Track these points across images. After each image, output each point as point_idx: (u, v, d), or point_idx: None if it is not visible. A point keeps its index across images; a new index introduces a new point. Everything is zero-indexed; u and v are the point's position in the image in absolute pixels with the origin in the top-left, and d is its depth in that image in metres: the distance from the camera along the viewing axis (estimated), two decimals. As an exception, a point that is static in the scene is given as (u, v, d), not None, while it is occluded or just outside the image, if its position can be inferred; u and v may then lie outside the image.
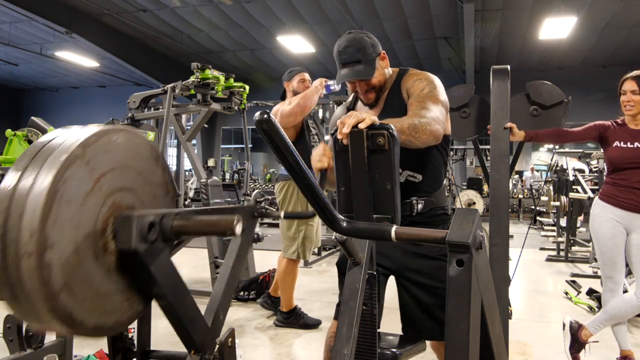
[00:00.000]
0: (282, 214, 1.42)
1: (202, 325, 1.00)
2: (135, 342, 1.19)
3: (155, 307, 0.94)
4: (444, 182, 1.81)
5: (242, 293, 4.02)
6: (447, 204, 1.98)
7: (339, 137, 1.19)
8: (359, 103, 1.86)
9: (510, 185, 8.65)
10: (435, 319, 1.65)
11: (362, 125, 1.15)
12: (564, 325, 2.76)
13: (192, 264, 5.73)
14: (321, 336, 3.20)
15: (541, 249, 7.16)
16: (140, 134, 0.94)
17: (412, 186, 1.70)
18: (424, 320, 1.68)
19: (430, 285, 1.65)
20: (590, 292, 4.06)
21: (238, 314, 3.67)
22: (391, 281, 1.79)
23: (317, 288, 4.00)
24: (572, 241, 6.25)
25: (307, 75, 3.39)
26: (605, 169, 2.69)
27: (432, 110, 1.52)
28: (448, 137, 1.75)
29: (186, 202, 10.01)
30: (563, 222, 6.80)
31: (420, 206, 1.67)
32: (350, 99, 1.93)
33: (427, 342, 1.77)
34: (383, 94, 1.78)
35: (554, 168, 7.43)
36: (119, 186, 0.86)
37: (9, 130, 2.06)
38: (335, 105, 6.40)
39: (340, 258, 1.76)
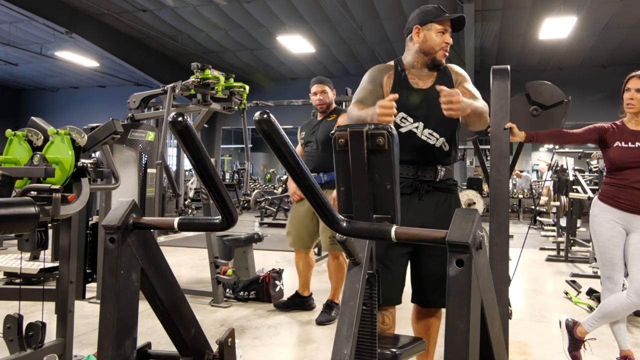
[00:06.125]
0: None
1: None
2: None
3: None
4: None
5: (242, 293, 4.02)
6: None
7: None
8: (408, 78, 2.03)
9: (510, 185, 8.63)
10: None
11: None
12: (560, 323, 2.77)
13: (192, 264, 5.74)
14: (322, 336, 3.20)
15: (541, 249, 7.15)
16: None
17: (440, 154, 1.97)
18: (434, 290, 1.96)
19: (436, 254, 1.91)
20: (590, 292, 4.06)
21: (238, 314, 3.67)
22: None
23: (317, 288, 4.00)
24: (572, 241, 6.25)
25: (316, 88, 3.54)
26: (605, 169, 2.69)
27: (486, 108, 1.98)
28: None
29: (186, 202, 10.01)
30: (563, 222, 6.80)
31: (442, 173, 1.98)
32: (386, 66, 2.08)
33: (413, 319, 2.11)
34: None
35: (554, 168, 7.42)
36: None
37: (9, 130, 2.04)
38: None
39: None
